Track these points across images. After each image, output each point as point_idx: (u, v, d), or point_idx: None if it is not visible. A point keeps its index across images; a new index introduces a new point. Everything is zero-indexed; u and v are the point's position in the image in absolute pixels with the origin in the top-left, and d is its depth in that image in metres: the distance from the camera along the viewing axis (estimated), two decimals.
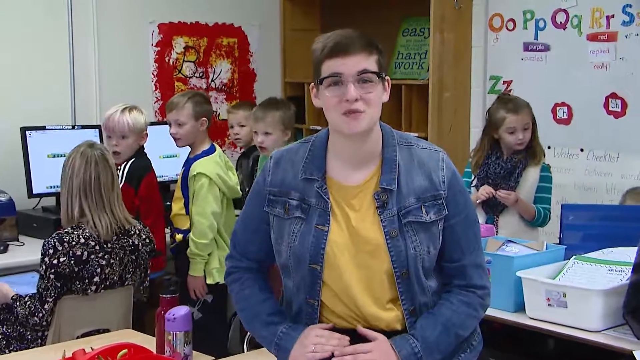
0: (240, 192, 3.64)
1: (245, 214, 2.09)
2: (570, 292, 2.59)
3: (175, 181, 3.96)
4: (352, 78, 1.87)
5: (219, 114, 4.80)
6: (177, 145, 3.61)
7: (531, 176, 3.45)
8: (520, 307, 2.74)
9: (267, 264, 2.09)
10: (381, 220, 1.92)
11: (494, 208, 3.48)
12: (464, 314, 1.97)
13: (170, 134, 3.57)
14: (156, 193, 3.58)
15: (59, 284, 2.80)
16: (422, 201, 1.93)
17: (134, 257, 3.00)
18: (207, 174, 3.45)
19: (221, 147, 3.86)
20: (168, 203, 3.73)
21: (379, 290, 1.94)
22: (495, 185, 3.44)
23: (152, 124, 3.87)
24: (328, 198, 1.94)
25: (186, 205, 3.54)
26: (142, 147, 3.59)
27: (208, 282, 3.51)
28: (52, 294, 2.80)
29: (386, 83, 1.94)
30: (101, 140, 4.08)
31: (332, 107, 1.89)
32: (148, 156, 3.63)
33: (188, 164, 3.55)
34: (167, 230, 3.67)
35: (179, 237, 3.56)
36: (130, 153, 3.54)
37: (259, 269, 2.10)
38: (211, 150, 3.56)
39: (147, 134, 3.59)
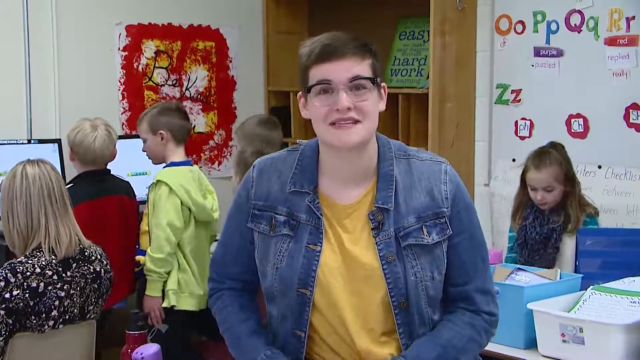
0: (216, 217, 3.65)
1: (226, 233, 2.08)
2: (588, 326, 2.59)
3: (145, 202, 3.97)
4: (343, 85, 1.86)
5: (195, 125, 4.80)
6: (153, 163, 3.70)
7: (567, 245, 3.37)
8: (531, 344, 2.74)
9: (254, 285, 2.07)
10: (376, 242, 1.91)
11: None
12: (467, 337, 1.95)
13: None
14: (97, 224, 3.50)
15: (10, 321, 2.77)
16: (423, 220, 1.92)
17: (95, 286, 2.98)
18: (167, 182, 3.47)
19: (197, 164, 3.86)
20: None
21: (374, 321, 1.93)
22: (534, 252, 3.41)
23: (120, 137, 3.87)
24: (321, 214, 1.93)
25: None
26: (93, 171, 3.60)
27: (163, 305, 3.50)
28: (3, 332, 2.76)
29: (382, 90, 1.94)
30: (61, 156, 4.07)
31: (322, 117, 1.88)
32: (105, 178, 3.65)
33: None
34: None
35: (143, 259, 3.55)
36: (70, 177, 3.59)
37: (244, 287, 2.08)
38: (182, 164, 3.59)
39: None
